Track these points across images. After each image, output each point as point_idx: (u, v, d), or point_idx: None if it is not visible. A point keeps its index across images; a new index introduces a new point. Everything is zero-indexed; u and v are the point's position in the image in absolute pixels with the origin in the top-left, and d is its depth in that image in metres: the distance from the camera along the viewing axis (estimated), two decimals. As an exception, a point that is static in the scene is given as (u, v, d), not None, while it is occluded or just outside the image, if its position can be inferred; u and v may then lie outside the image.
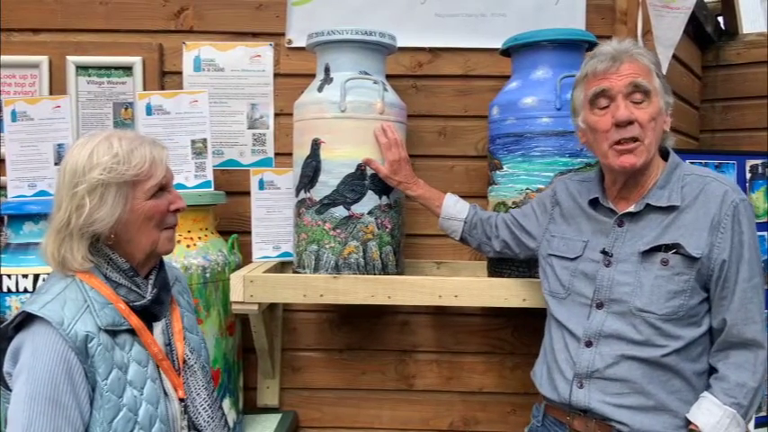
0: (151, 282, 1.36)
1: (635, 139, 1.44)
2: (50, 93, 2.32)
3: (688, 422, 1.43)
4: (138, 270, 1.34)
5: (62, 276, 1.28)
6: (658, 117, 1.47)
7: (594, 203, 1.59)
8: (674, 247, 1.43)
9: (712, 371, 1.47)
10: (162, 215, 1.33)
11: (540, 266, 1.73)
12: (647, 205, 1.48)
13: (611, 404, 1.46)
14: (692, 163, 2.13)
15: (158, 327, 1.36)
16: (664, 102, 1.49)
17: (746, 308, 1.42)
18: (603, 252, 1.52)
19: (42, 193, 2.13)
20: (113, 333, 1.25)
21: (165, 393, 1.32)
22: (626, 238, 1.50)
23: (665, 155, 1.55)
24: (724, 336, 1.44)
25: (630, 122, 1.44)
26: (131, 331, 1.29)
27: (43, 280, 1.82)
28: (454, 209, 1.92)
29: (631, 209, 1.50)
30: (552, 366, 1.58)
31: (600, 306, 1.50)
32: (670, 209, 1.47)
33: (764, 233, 2.31)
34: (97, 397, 1.21)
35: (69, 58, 2.34)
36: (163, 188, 1.34)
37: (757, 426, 2.23)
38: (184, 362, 1.38)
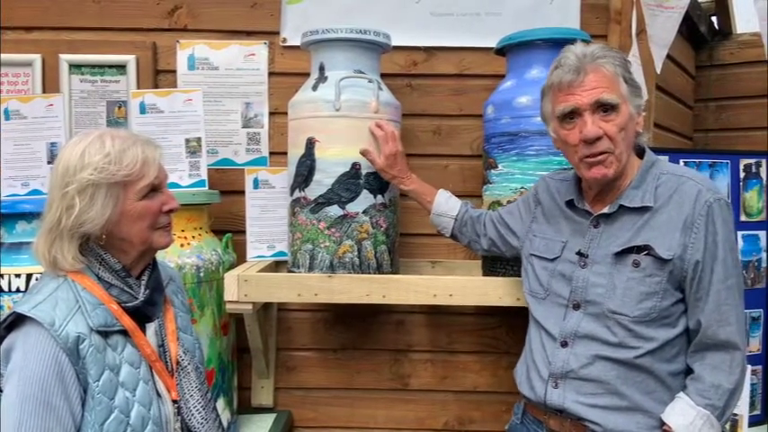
0: (144, 282, 1.34)
1: (604, 152, 1.43)
2: (43, 91, 2.31)
3: (662, 422, 1.43)
4: (130, 270, 1.33)
5: (54, 276, 1.27)
6: (628, 125, 1.44)
7: (571, 204, 1.58)
8: (646, 249, 1.42)
9: (689, 371, 1.46)
10: (154, 216, 1.32)
11: (522, 265, 1.72)
12: (621, 206, 1.47)
13: (584, 404, 1.45)
14: (685, 163, 2.15)
15: (151, 327, 1.35)
16: (634, 106, 1.46)
17: (721, 309, 1.40)
18: (579, 253, 1.51)
19: (35, 191, 2.12)
20: (105, 334, 1.24)
21: (159, 395, 1.31)
22: (601, 240, 1.49)
23: (641, 152, 1.53)
24: (699, 337, 1.43)
25: (599, 138, 1.42)
26: (124, 332, 1.28)
27: (36, 279, 1.81)
28: (446, 206, 1.92)
29: (605, 210, 1.49)
30: (530, 366, 1.59)
31: (576, 307, 1.50)
32: (644, 209, 1.45)
33: (758, 232, 2.31)
34: (89, 399, 1.20)
35: (62, 56, 2.32)
36: (155, 188, 1.33)
37: (751, 424, 2.24)
38: (178, 363, 1.36)
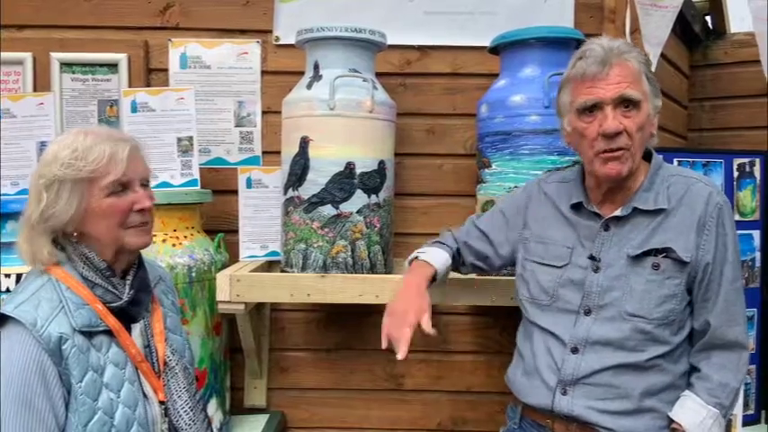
0: (128, 282, 1.33)
1: (622, 148, 1.41)
2: (34, 90, 2.29)
3: (670, 421, 1.42)
4: (113, 269, 1.31)
5: (38, 275, 1.26)
6: (646, 124, 1.43)
7: (577, 207, 1.54)
8: (665, 251, 1.41)
9: (692, 370, 1.46)
10: (122, 214, 1.28)
11: (516, 272, 1.66)
12: (634, 209, 1.45)
13: (595, 409, 1.43)
14: (679, 162, 2.14)
15: (137, 328, 1.33)
16: (652, 106, 1.45)
17: (730, 310, 1.42)
18: (591, 257, 1.48)
19: (25, 191, 2.08)
20: (89, 334, 1.23)
21: (145, 396, 1.30)
22: (612, 242, 1.47)
23: (647, 155, 1.52)
24: (707, 337, 1.43)
25: (618, 133, 1.39)
26: (109, 332, 1.26)
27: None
28: (440, 262, 1.71)
29: (618, 213, 1.47)
30: (532, 373, 1.54)
31: (588, 313, 1.47)
32: (657, 212, 1.44)
33: (752, 232, 2.31)
34: (72, 400, 1.19)
35: (53, 54, 2.31)
36: (125, 186, 1.29)
37: (745, 424, 2.24)
38: (165, 363, 1.35)
